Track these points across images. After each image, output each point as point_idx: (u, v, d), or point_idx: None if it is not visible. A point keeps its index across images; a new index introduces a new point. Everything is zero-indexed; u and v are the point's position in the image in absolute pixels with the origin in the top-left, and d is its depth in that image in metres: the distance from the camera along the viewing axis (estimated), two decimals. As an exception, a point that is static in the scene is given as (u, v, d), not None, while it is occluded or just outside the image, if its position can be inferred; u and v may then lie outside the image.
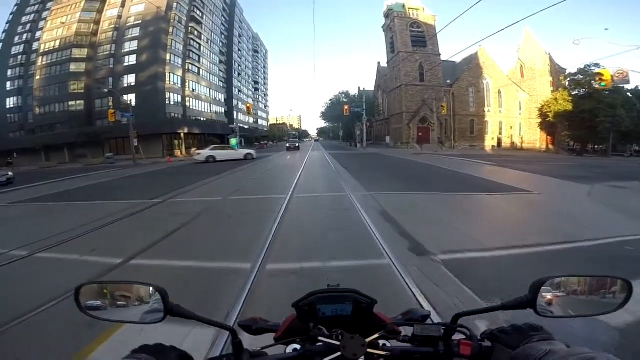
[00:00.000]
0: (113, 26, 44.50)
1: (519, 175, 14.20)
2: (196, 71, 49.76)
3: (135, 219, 6.51)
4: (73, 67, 43.84)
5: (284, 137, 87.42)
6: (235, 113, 55.77)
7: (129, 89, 41.64)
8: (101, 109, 41.18)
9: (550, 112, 42.48)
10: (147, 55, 42.02)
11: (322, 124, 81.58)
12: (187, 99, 46.67)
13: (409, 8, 45.44)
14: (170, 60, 43.61)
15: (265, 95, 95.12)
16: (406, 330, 0.78)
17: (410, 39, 44.69)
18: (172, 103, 43.52)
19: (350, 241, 4.67)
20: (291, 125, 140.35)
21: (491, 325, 0.85)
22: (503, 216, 6.87)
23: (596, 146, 44.42)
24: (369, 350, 0.68)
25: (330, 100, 52.95)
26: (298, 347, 0.74)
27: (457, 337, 0.73)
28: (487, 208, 7.77)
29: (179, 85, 45.24)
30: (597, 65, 38.96)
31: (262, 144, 54.07)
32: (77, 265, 4.07)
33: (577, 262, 4.13)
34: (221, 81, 58.93)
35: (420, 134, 43.78)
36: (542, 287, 0.69)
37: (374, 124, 57.08)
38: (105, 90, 39.86)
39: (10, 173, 17.20)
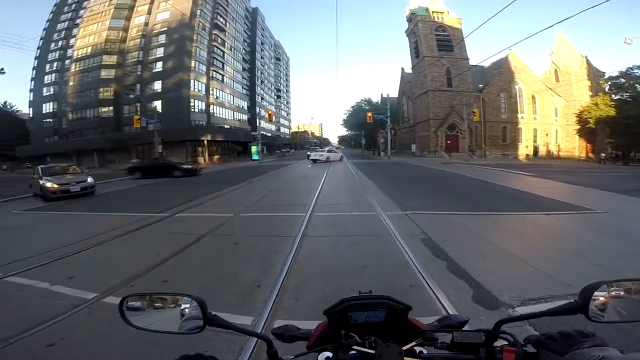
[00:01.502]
0: (140, 33, 46.05)
1: (570, 189, 12.45)
2: (220, 78, 50.41)
3: (127, 240, 5.67)
4: (103, 73, 45.65)
5: (305, 144, 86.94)
6: (257, 120, 55.96)
7: (155, 96, 42.71)
8: (129, 115, 42.25)
9: (591, 118, 39.34)
10: (173, 62, 43.02)
11: (344, 131, 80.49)
12: (210, 106, 47.20)
13: (432, 12, 43.75)
14: (194, 67, 44.38)
15: (287, 102, 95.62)
16: (443, 338, 0.75)
17: (436, 43, 42.87)
18: (196, 110, 44.16)
19: (388, 286, 3.50)
20: (312, 133, 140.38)
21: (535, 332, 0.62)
22: (576, 245, 5.44)
23: (638, 154, 40.47)
24: (406, 358, 0.66)
25: (352, 107, 51.87)
26: (330, 354, 0.72)
27: (499, 343, 0.71)
28: (552, 233, 6.31)
29: (203, 92, 45.88)
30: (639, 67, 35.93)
31: (283, 151, 53.45)
32: (44, 295, 3.42)
33: None
34: (244, 88, 59.51)
35: (448, 142, 41.66)
36: (594, 292, 0.69)
37: (398, 132, 55.25)
38: (132, 96, 40.87)
39: (89, 179, 12.56)
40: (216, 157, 42.97)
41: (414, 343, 0.71)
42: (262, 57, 71.25)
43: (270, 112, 38.36)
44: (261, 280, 3.59)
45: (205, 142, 42.24)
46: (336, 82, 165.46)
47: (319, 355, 0.74)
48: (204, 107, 45.77)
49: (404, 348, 0.69)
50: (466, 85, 42.39)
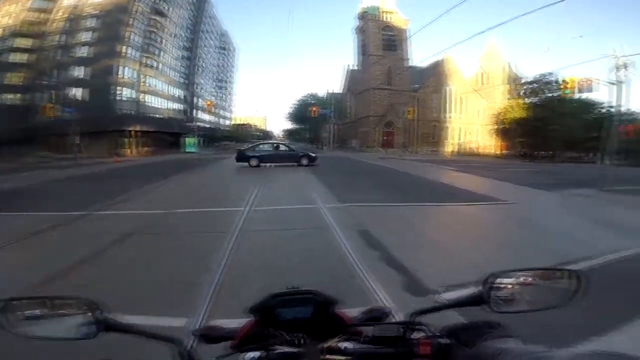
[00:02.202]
0: (67, 16, 40.04)
1: (488, 183, 14.14)
2: (155, 66, 46.22)
3: (36, 242, 4.88)
4: (16, 57, 38.73)
5: (247, 137, 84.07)
6: (195, 111, 52.47)
7: (77, 83, 37.87)
8: (43, 103, 36.71)
9: (507, 119, 45.07)
10: (101, 47, 38.65)
11: (288, 125, 79.99)
12: (142, 94, 43.04)
13: (383, 11, 45.51)
14: (126, 53, 40.09)
15: (230, 94, 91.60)
16: (369, 331, 0.74)
17: (382, 42, 44.83)
18: (124, 98, 39.89)
19: (327, 278, 3.55)
20: (255, 126, 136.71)
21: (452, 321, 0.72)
22: (493, 233, 6.21)
23: (542, 152, 47.72)
24: (328, 356, 0.65)
25: (298, 101, 51.96)
26: (256, 354, 0.68)
27: (418, 335, 0.71)
28: (471, 222, 7.11)
29: (134, 80, 41.65)
30: (551, 74, 42.13)
31: (223, 144, 50.58)
32: None
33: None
34: (182, 77, 55.34)
35: (385, 138, 44.11)
36: (495, 282, 0.70)
37: (341, 127, 56.74)
38: (46, 82, 35.40)
39: None
40: (145, 149, 39.38)
41: (336, 339, 0.70)
42: (205, 46, 67.08)
43: (209, 102, 36.24)
44: (196, 279, 3.36)
45: (133, 132, 38.53)
46: (283, 75, 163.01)
47: (245, 355, 0.70)
48: (133, 96, 41.55)
49: (326, 345, 0.67)
50: (404, 85, 45.21)
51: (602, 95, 43.74)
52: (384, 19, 45.52)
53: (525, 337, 0.61)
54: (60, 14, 40.86)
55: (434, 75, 47.43)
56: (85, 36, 39.72)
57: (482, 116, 50.91)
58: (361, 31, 47.92)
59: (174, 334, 0.67)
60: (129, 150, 36.50)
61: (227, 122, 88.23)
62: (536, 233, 6.22)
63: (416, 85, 45.63)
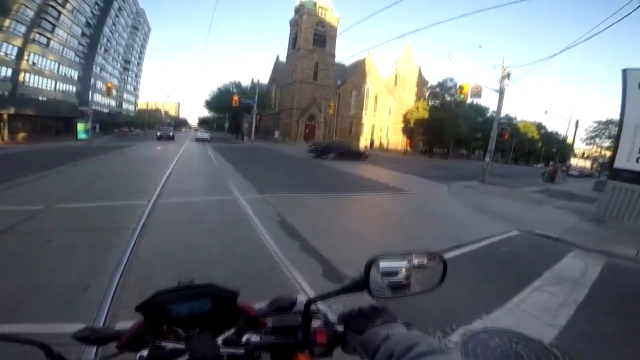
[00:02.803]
0: None
1: (394, 175, 15.74)
2: (45, 42, 37.71)
3: None
4: None
5: (156, 124, 75.28)
6: (91, 94, 44.59)
7: None
8: None
9: (412, 118, 51.02)
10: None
11: (205, 113, 74.44)
12: (22, 73, 34.83)
13: (319, 7, 45.75)
14: (9, 27, 31.80)
15: (136, 76, 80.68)
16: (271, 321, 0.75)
17: (313, 37, 45.24)
18: (-5, 77, 31.73)
19: (245, 271, 3.44)
20: (167, 112, 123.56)
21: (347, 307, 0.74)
22: (397, 219, 6.92)
23: (439, 149, 55.61)
24: (222, 348, 0.63)
25: (219, 88, 48.69)
26: (143, 353, 0.64)
27: (317, 323, 0.71)
28: (380, 210, 7.80)
29: (13, 57, 33.45)
30: (451, 80, 49.10)
31: (124, 130, 43.73)
32: None
33: (472, 266, 4.12)
34: (79, 56, 46.35)
35: (307, 131, 44.94)
36: (373, 267, 0.70)
37: (264, 118, 55.54)
38: None
39: None
40: (22, 135, 32.07)
41: (232, 331, 0.69)
42: (114, 24, 57.37)
43: (110, 84, 30.86)
44: (90, 281, 2.89)
45: (6, 116, 31.10)
46: (202, 61, 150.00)
47: (129, 355, 0.67)
48: (9, 74, 33.34)
49: (220, 337, 0.65)
50: (329, 81, 46.65)
51: (491, 101, 53.33)
52: (319, 15, 46.02)
53: (408, 321, 0.66)
54: None
55: (355, 73, 50.18)
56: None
57: (393, 115, 56.00)
58: (295, 24, 47.60)
59: (45, 339, 0.61)
60: None
61: (131, 107, 77.99)
62: (431, 218, 7.23)
63: (339, 82, 47.64)
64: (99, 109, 48.47)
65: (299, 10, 46.80)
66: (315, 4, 45.89)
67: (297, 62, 45.28)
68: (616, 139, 8.47)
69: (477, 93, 15.36)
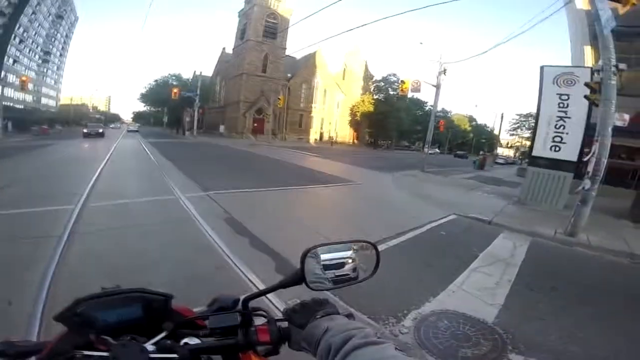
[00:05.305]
0: None
1: (342, 167, 16.24)
2: None
3: None
4: None
5: (82, 120, 67.02)
6: (1, 88, 37.95)
7: None
8: None
9: (358, 112, 52.66)
10: None
11: (141, 107, 68.29)
12: None
13: None
14: None
15: (58, 69, 70.75)
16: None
17: (264, 28, 43.51)
18: None
19: (190, 273, 3.25)
20: (96, 107, 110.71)
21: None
22: (347, 210, 7.13)
23: (383, 141, 58.31)
24: (152, 355, 0.59)
25: (156, 81, 44.74)
26: None
27: (260, 321, 0.69)
28: (330, 202, 7.97)
29: None
30: (394, 75, 51.35)
31: (44, 128, 37.86)
32: None
33: (416, 251, 4.44)
34: None
35: (255, 125, 43.70)
36: (310, 259, 0.69)
37: (208, 112, 52.70)
38: None
39: None
40: None
41: (161, 336, 0.64)
42: (34, 13, 49.05)
43: (24, 77, 26.34)
44: (12, 296, 2.50)
45: None
46: (137, 52, 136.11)
47: None
48: None
49: (150, 343, 0.61)
50: (278, 73, 45.58)
51: (430, 96, 57.01)
52: (270, 6, 44.36)
53: (350, 312, 0.66)
54: None
55: (306, 66, 49.86)
56: None
57: (341, 108, 57.12)
58: (245, 15, 45.40)
59: None
60: None
61: (52, 102, 68.62)
62: (377, 207, 7.58)
63: (289, 75, 46.95)
64: (12, 104, 41.91)
65: (249, 1, 44.94)
66: (267, -6, 44.44)
67: (245, 54, 43.51)
68: (534, 130, 9.40)
69: (417, 88, 16.35)
